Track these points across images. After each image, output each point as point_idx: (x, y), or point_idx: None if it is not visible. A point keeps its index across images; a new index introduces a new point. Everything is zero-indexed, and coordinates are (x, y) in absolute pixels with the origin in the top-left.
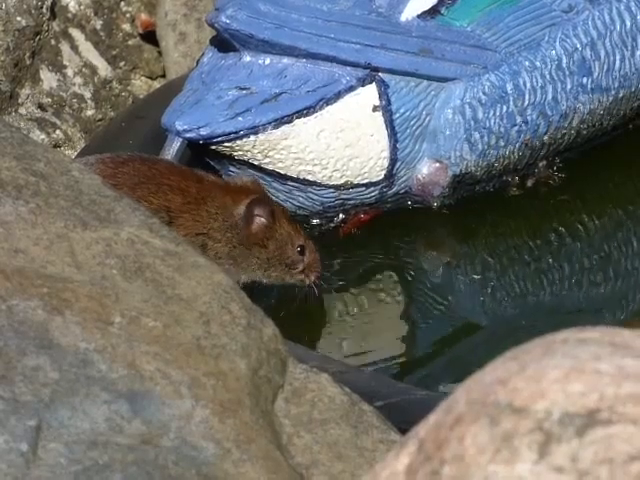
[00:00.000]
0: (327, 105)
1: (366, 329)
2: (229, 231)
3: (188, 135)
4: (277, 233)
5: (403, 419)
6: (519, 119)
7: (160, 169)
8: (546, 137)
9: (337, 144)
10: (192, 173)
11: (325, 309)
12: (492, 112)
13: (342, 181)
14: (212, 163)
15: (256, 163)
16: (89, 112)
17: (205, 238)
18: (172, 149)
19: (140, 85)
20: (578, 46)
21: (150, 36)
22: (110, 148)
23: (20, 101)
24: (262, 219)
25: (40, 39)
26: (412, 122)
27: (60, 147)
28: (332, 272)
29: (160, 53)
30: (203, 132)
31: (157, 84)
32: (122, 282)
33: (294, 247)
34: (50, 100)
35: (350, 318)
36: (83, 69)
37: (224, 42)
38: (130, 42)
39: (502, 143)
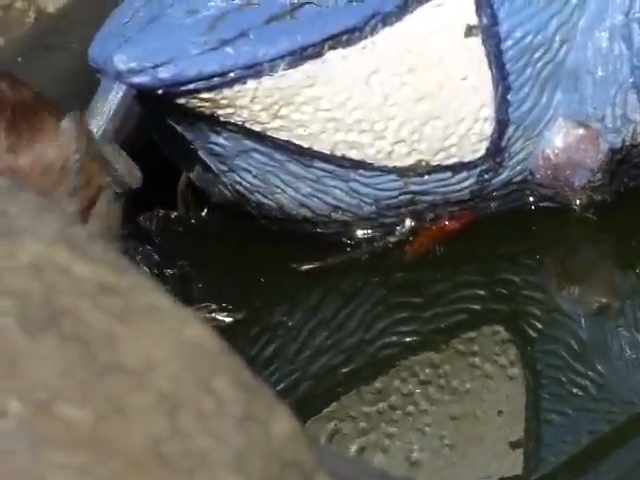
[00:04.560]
0: (384, 25)
1: (456, 422)
2: None
3: (137, 79)
4: None
5: None
6: None
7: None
8: None
9: (402, 95)
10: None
11: (384, 385)
12: None
13: (412, 161)
14: (179, 128)
15: (258, 129)
16: None
17: None
18: (109, 103)
19: None
20: None
21: None
22: None
23: None
24: None
25: None
26: (536, 55)
27: None
28: (394, 321)
29: None
30: (164, 74)
31: None
32: (22, 340)
33: None
34: None
35: (426, 403)
36: None
37: None
38: None
39: None
